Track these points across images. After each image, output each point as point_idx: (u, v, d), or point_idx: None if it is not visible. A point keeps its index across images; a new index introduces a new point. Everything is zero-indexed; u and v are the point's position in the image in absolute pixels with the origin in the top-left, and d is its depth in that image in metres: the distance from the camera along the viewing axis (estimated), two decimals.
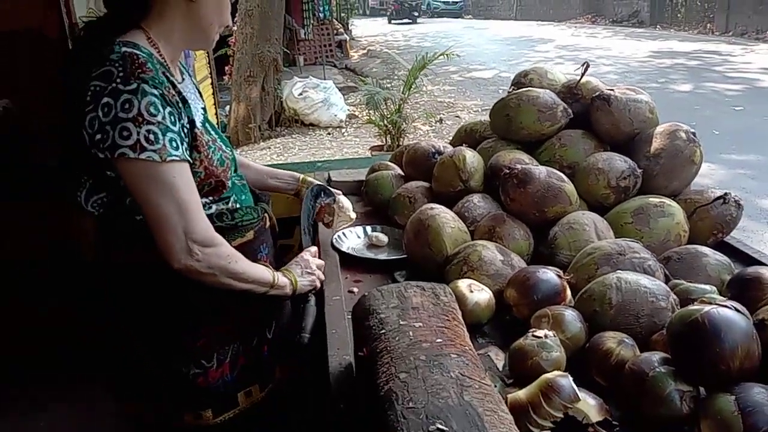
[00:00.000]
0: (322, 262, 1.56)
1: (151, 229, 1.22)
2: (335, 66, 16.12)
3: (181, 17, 1.32)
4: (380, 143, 7.16)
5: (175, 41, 1.34)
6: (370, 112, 7.23)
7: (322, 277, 1.53)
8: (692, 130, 1.68)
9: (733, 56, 13.93)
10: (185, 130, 1.25)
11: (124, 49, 1.22)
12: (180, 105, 1.25)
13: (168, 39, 1.33)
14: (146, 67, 1.21)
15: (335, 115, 9.39)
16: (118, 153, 1.16)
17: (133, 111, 1.16)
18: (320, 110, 9.31)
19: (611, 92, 1.76)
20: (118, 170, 1.20)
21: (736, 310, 0.97)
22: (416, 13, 30.40)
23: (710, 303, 0.99)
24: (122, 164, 1.18)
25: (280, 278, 1.41)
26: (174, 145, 1.20)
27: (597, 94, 1.78)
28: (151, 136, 1.17)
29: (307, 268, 1.50)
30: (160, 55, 1.31)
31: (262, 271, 1.36)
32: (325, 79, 11.39)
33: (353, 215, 1.81)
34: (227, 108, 9.22)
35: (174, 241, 1.20)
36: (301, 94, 9.31)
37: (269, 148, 8.43)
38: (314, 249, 1.59)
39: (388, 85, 11.49)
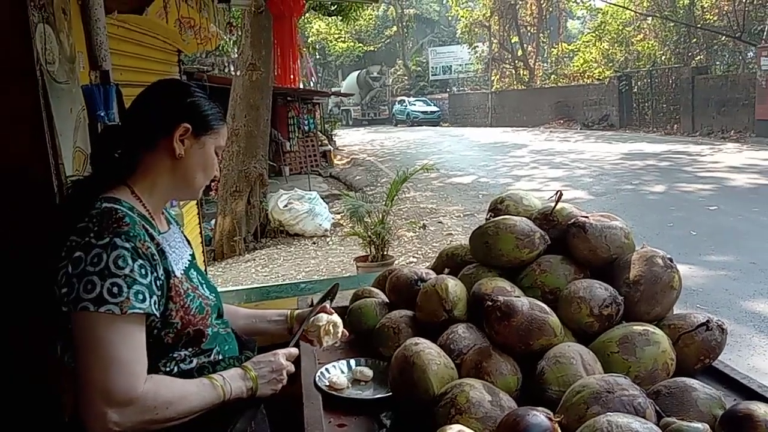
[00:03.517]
0: (292, 369, 1.50)
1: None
2: (320, 175, 16.57)
3: (167, 172, 1.36)
4: (365, 253, 7.20)
5: (159, 194, 1.38)
6: (354, 224, 7.33)
7: (285, 382, 1.47)
8: (668, 256, 1.71)
9: (702, 156, 14.57)
10: (158, 283, 1.25)
11: (104, 204, 1.26)
12: (155, 257, 1.26)
13: (152, 192, 1.36)
14: (123, 222, 1.23)
15: (320, 225, 9.52)
16: (80, 306, 1.16)
17: (101, 265, 1.18)
18: (305, 220, 9.45)
19: (586, 219, 1.81)
20: (73, 323, 1.18)
21: None
22: None
23: None
24: (81, 317, 1.17)
25: (234, 392, 1.34)
26: (140, 297, 1.20)
27: (572, 221, 1.82)
28: (115, 289, 1.17)
29: (278, 373, 1.44)
30: (144, 207, 1.34)
31: (205, 400, 1.29)
32: (310, 188, 11.67)
33: (341, 333, 1.78)
34: (212, 221, 9.31)
35: (88, 405, 1.17)
36: (286, 205, 9.49)
37: (254, 260, 8.44)
38: (295, 353, 1.54)
39: (372, 192, 11.77)
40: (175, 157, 1.35)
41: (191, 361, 1.33)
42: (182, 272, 1.35)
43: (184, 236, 1.53)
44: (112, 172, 1.35)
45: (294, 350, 1.54)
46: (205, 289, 1.43)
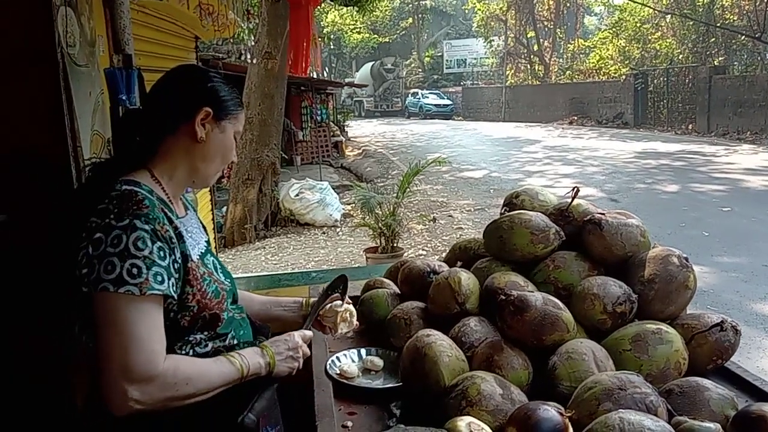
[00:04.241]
0: (308, 351, 1.52)
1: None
2: (331, 165, 16.57)
3: (187, 156, 1.37)
4: (375, 245, 7.20)
5: (178, 178, 1.39)
6: (365, 215, 7.34)
7: (301, 362, 1.50)
8: (684, 255, 1.70)
9: (717, 157, 14.41)
10: (176, 266, 1.27)
11: (124, 187, 1.27)
12: (174, 240, 1.27)
13: (171, 176, 1.38)
14: (142, 204, 1.25)
15: (330, 215, 9.54)
16: (100, 287, 1.18)
17: (121, 246, 1.19)
18: (316, 210, 9.47)
19: (602, 216, 1.80)
20: (94, 303, 1.20)
21: None
22: None
23: None
24: (101, 297, 1.18)
25: (251, 368, 1.36)
26: (159, 279, 1.21)
27: (588, 218, 1.81)
28: (134, 270, 1.19)
29: (294, 350, 1.46)
30: (163, 191, 1.35)
31: (224, 376, 1.32)
32: (321, 178, 11.69)
33: (355, 322, 1.80)
34: (224, 209, 9.35)
35: (109, 384, 1.18)
36: (297, 194, 9.51)
37: (264, 248, 8.47)
38: (309, 335, 1.56)
39: (382, 184, 11.76)
40: (197, 140, 1.36)
41: (206, 345, 1.34)
42: (198, 257, 1.37)
43: (201, 222, 1.55)
44: (133, 155, 1.36)
45: (308, 332, 1.56)
46: (220, 274, 1.44)
